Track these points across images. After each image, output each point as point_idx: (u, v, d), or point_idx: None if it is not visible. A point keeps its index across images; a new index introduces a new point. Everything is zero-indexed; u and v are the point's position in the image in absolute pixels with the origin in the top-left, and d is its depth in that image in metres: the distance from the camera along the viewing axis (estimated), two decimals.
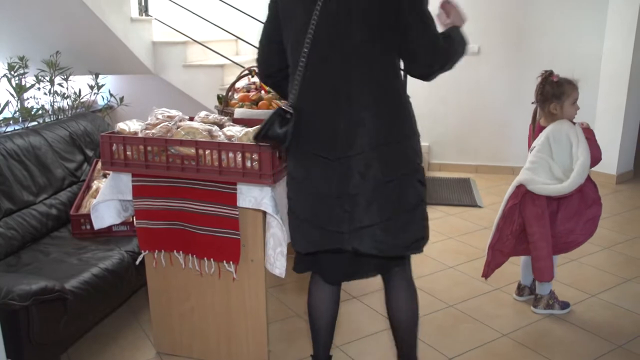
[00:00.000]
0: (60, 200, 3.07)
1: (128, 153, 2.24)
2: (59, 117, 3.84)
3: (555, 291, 2.88)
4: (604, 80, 5.03)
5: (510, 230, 2.74)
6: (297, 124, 1.79)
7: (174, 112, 2.40)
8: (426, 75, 1.86)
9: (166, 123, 2.26)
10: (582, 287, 3.13)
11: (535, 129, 2.75)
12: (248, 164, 2.08)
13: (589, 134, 2.59)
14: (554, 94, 2.62)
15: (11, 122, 3.72)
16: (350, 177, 1.79)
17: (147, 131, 2.25)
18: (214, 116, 2.49)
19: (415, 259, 3.35)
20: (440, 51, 1.80)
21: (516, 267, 3.09)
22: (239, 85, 3.12)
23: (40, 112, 3.81)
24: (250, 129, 2.19)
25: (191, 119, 2.47)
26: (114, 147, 2.25)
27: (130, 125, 2.34)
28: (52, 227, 2.94)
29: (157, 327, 2.51)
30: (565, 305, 2.86)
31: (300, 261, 2.07)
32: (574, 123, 2.62)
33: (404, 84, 1.92)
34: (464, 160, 5.39)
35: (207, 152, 2.12)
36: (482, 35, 5.15)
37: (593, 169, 2.65)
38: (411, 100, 1.90)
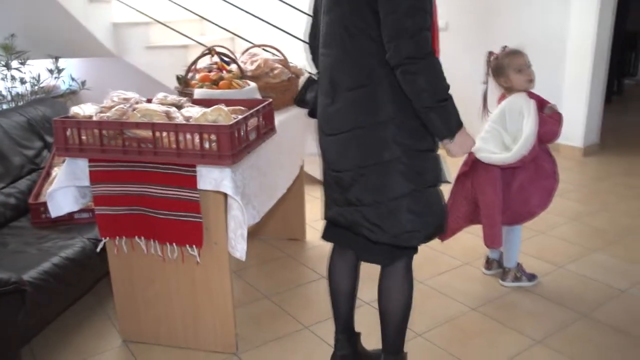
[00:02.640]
0: (19, 189, 2.98)
1: (83, 137, 2.16)
2: (18, 104, 3.73)
3: (522, 264, 2.90)
4: (569, 54, 5.06)
5: (463, 196, 2.78)
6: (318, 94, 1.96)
7: (130, 94, 2.33)
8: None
9: (121, 105, 2.19)
10: (549, 259, 3.16)
11: (499, 100, 2.76)
12: (206, 145, 2.03)
13: (553, 115, 2.62)
14: (497, 70, 2.66)
15: None
16: (331, 154, 1.89)
17: (102, 114, 2.18)
18: (173, 97, 2.42)
19: None
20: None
21: (478, 239, 3.10)
22: (200, 65, 3.05)
23: None
24: (208, 110, 2.14)
25: (149, 101, 2.40)
26: (68, 131, 2.17)
27: (85, 109, 2.27)
28: (10, 217, 2.85)
29: (122, 314, 2.46)
30: (532, 277, 2.89)
31: (325, 229, 2.11)
32: (548, 103, 2.66)
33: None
34: None
35: (165, 134, 2.07)
36: (450, 12, 5.13)
37: (560, 141, 2.68)
38: None
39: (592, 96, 5.05)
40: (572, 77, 5.06)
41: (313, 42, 2.06)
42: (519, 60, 2.61)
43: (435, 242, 3.34)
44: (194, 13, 4.54)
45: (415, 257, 3.20)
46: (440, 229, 1.89)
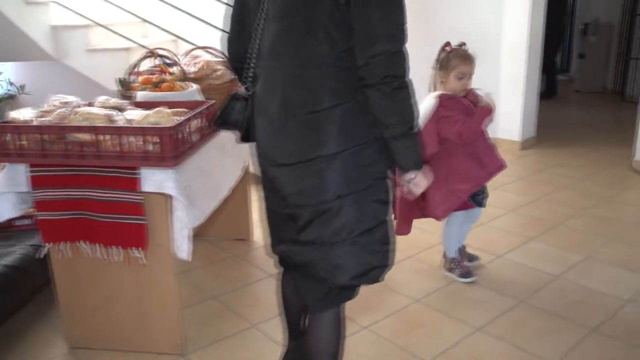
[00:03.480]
0: None
1: (23, 142, 2.14)
2: None
3: (463, 257, 3.01)
4: (504, 51, 5.25)
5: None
6: (252, 113, 1.69)
7: (70, 98, 2.32)
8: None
9: (62, 109, 2.18)
10: (490, 249, 3.28)
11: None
12: (149, 147, 2.04)
13: (480, 112, 2.64)
14: (442, 64, 2.70)
15: None
16: (286, 188, 1.63)
17: (42, 119, 2.16)
18: (114, 100, 2.42)
19: None
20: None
21: (427, 234, 3.21)
22: (143, 68, 3.04)
23: None
24: (149, 112, 2.15)
25: (90, 104, 2.39)
26: (8, 136, 2.14)
27: (24, 114, 2.24)
28: None
29: (68, 321, 2.43)
30: (466, 274, 2.93)
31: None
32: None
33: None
34: None
35: (107, 137, 2.06)
36: None
37: (499, 136, 2.78)
38: None
39: (528, 91, 5.26)
40: (508, 74, 5.26)
41: (238, 53, 1.78)
42: (465, 68, 2.66)
43: None
44: (135, 15, 4.50)
45: None
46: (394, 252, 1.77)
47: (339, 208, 1.58)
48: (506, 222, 3.69)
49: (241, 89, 1.76)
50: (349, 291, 1.78)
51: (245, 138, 1.78)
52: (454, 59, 2.67)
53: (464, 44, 2.73)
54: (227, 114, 1.74)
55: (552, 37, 8.01)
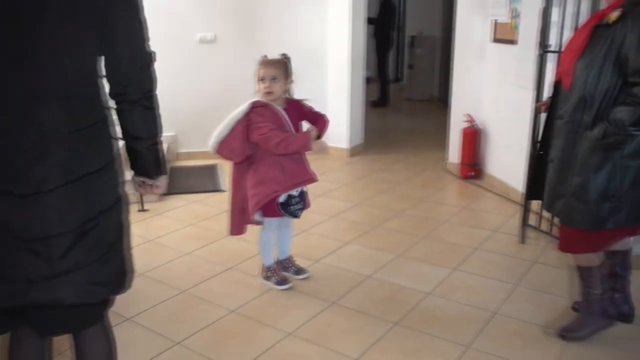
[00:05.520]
0: None
1: None
2: None
3: (290, 269, 3.12)
4: (329, 64, 5.52)
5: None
6: None
7: None
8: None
9: None
10: (308, 255, 3.41)
11: None
12: None
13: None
14: (255, 76, 2.85)
15: None
16: (43, 218, 1.47)
17: None
18: None
19: (152, 251, 3.37)
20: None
21: (247, 244, 3.27)
22: None
23: None
24: None
25: None
26: None
27: None
28: None
29: None
30: (282, 282, 3.03)
31: None
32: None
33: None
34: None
35: None
36: (218, 24, 5.29)
37: (329, 144, 2.93)
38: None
39: (353, 101, 5.56)
40: (334, 85, 5.54)
41: None
42: (263, 71, 2.78)
43: (204, 251, 3.46)
44: None
45: (182, 267, 3.27)
46: None
47: (100, 225, 1.55)
48: (326, 227, 3.86)
49: None
50: (107, 303, 1.72)
51: None
52: (257, 66, 2.82)
53: (283, 54, 2.87)
54: None
55: (382, 50, 8.55)
